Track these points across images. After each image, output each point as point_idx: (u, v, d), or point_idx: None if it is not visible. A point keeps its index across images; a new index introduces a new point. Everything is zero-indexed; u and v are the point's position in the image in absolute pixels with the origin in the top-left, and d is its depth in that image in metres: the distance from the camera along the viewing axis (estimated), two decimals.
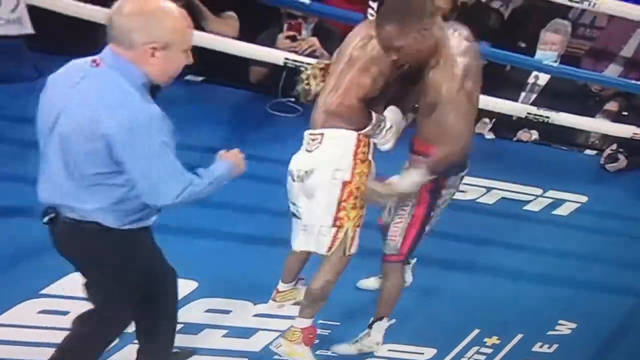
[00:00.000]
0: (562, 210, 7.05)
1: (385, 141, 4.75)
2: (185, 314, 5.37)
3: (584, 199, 7.23)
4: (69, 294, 5.29)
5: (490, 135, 7.92)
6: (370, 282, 5.68)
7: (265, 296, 5.60)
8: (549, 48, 7.78)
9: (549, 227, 6.82)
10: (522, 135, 7.91)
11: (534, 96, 7.88)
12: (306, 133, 4.84)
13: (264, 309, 5.54)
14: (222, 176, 4.06)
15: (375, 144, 4.77)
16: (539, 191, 7.21)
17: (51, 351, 4.45)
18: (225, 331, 5.37)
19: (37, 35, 7.20)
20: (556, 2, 7.38)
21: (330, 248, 4.90)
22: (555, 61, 7.73)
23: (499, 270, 6.15)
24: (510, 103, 7.54)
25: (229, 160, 4.13)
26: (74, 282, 5.17)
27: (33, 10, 7.10)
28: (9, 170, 6.11)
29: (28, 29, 7.28)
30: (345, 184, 4.76)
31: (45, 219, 4.19)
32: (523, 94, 7.90)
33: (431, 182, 4.79)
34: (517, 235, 6.57)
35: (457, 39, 4.60)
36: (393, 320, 5.40)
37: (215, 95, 7.60)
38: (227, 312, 5.52)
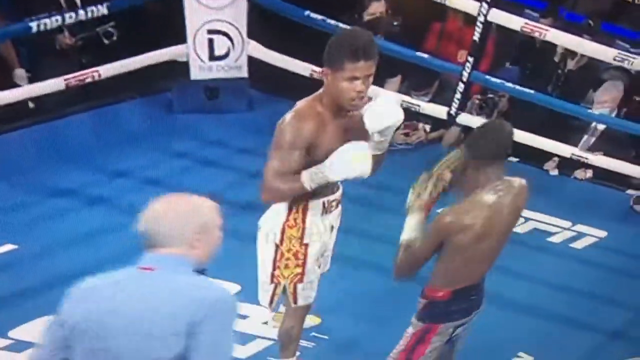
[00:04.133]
0: (579, 244, 6.25)
1: (343, 174, 4.06)
2: None
3: (603, 234, 6.36)
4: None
5: (554, 172, 7.19)
6: None
7: None
8: (602, 107, 7.05)
9: (559, 259, 6.09)
10: (579, 173, 7.12)
11: (593, 139, 7.09)
12: None
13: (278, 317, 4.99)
14: None
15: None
16: (568, 224, 6.44)
17: None
18: None
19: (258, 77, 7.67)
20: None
21: (270, 303, 4.39)
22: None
23: (491, 297, 4.99)
24: (557, 144, 6.90)
25: None
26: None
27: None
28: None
29: (244, 74, 7.70)
30: (277, 245, 4.28)
31: None
32: (585, 137, 7.11)
33: (419, 329, 4.00)
34: (526, 264, 5.85)
35: None
36: None
37: None
38: (245, 317, 5.14)
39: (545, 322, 5.39)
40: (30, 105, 7.22)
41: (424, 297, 3.97)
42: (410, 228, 3.91)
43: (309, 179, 4.07)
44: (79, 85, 6.91)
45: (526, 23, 6.86)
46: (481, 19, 6.89)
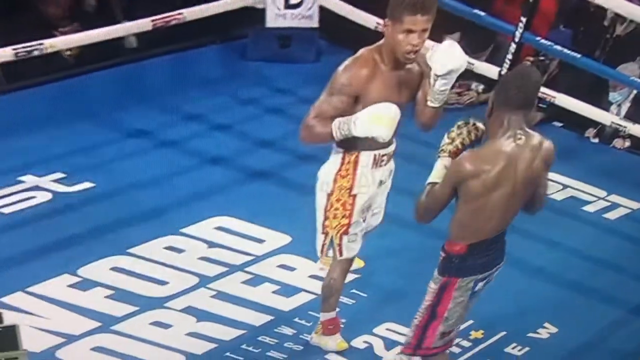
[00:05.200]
0: (612, 214, 5.98)
1: (362, 131, 4.00)
2: (261, 266, 5.13)
3: (636, 206, 6.06)
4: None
5: (595, 140, 6.91)
6: None
7: None
8: (619, 89, 6.76)
9: (592, 229, 5.83)
10: (617, 142, 6.83)
11: (628, 104, 6.80)
12: None
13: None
14: None
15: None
16: (603, 194, 6.16)
17: None
18: (277, 287, 5.00)
19: (326, 28, 7.52)
20: None
21: (321, 252, 4.37)
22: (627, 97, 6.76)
23: (522, 264, 5.21)
24: (597, 111, 6.62)
25: None
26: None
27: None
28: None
29: (315, 23, 7.57)
30: (328, 195, 4.25)
31: None
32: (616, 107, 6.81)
33: (441, 283, 3.81)
34: (559, 233, 5.65)
35: None
36: None
37: None
38: (292, 269, 5.15)
39: (572, 292, 5.24)
40: (134, 44, 7.24)
41: (443, 250, 3.82)
42: (438, 171, 3.78)
43: (337, 127, 4.06)
44: (165, 26, 6.84)
45: None
46: None
